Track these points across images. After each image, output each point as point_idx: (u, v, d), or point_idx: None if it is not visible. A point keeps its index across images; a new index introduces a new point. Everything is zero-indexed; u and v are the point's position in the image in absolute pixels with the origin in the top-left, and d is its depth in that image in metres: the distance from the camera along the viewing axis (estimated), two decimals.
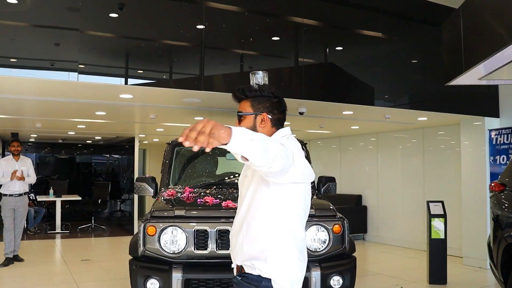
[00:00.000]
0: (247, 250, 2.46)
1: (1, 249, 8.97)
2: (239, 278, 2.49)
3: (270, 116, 2.52)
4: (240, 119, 2.57)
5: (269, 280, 2.39)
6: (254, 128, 2.52)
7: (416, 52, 7.97)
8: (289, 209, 2.42)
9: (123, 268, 7.86)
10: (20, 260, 8.69)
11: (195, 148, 1.81)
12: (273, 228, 2.41)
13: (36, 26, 5.51)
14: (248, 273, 2.46)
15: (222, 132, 1.84)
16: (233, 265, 2.61)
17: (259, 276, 2.41)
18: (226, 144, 1.88)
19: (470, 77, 5.45)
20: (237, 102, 2.62)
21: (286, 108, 2.62)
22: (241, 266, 2.51)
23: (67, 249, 10.56)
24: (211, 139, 1.82)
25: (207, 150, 1.85)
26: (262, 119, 2.52)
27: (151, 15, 6.05)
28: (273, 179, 2.18)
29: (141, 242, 4.40)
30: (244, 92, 2.57)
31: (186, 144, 1.83)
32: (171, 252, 4.36)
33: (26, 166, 8.83)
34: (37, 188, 14.21)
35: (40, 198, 13.34)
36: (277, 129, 2.56)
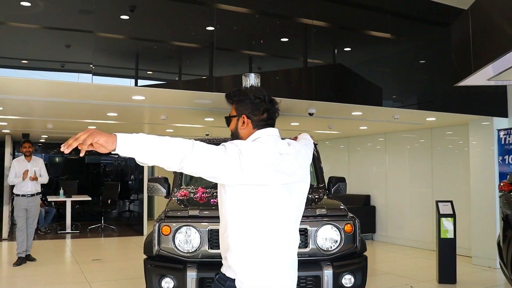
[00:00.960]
0: (220, 249, 2.56)
1: (13, 248, 9.08)
2: (216, 277, 2.55)
3: (250, 118, 2.55)
4: (227, 122, 2.66)
5: (233, 280, 2.42)
6: (236, 130, 2.60)
7: (424, 53, 8.00)
8: (243, 211, 2.40)
9: (134, 268, 7.97)
10: (33, 259, 8.79)
11: (67, 151, 2.04)
12: (232, 229, 2.43)
13: (48, 28, 5.59)
14: (220, 272, 2.53)
15: (102, 140, 2.07)
16: None
17: (224, 275, 2.48)
18: (114, 150, 2.08)
19: (479, 78, 5.49)
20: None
21: (273, 107, 2.59)
22: None
23: (78, 249, 10.66)
24: (83, 146, 2.05)
25: (81, 154, 2.15)
26: (243, 121, 2.56)
27: (162, 17, 6.12)
28: (214, 180, 2.29)
29: (155, 241, 4.47)
30: (229, 96, 2.64)
31: (66, 151, 2.04)
32: (186, 251, 4.43)
33: (38, 166, 8.92)
34: (47, 188, 14.31)
35: (50, 198, 13.45)
36: (259, 129, 2.55)
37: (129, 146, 2.12)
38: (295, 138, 2.88)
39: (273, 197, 2.41)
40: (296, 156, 2.49)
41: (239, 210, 2.40)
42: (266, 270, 2.43)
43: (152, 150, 2.14)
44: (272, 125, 2.58)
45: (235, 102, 2.61)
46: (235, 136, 2.61)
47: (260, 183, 2.35)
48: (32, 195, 8.72)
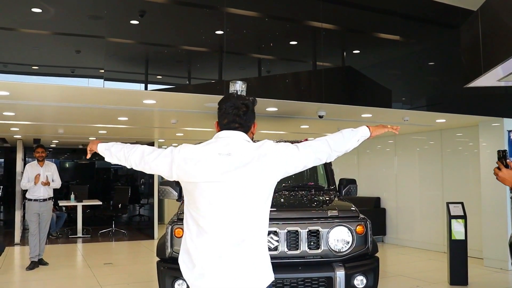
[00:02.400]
0: None
1: (26, 253, 9.14)
2: None
3: (219, 123, 2.71)
4: None
5: None
6: None
7: (433, 54, 8.00)
8: (185, 208, 2.63)
9: (145, 271, 8.01)
10: (45, 264, 8.85)
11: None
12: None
13: (59, 34, 5.64)
14: None
15: (93, 146, 2.97)
16: None
17: None
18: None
19: (489, 79, 5.49)
20: None
21: (229, 110, 2.67)
22: None
23: (89, 253, 10.71)
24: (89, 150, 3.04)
25: (87, 156, 3.17)
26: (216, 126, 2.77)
27: (172, 21, 6.17)
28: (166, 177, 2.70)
29: (168, 244, 4.50)
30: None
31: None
32: None
33: (50, 171, 8.98)
34: (58, 193, 14.39)
35: (61, 203, 13.52)
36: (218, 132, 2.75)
37: (100, 151, 2.94)
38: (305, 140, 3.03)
39: (200, 193, 2.50)
40: (238, 157, 2.51)
41: (185, 207, 2.64)
42: (192, 271, 2.53)
43: (109, 154, 2.90)
44: (233, 128, 2.65)
45: None
46: None
47: (186, 180, 2.55)
48: (45, 200, 8.78)
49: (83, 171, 18.15)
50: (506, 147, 8.67)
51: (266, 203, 2.57)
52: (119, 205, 14.45)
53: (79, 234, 13.00)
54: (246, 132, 2.69)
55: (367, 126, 2.82)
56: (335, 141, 2.66)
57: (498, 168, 3.17)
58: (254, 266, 2.50)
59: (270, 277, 2.57)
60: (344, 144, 2.68)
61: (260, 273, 2.52)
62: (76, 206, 13.21)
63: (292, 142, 2.82)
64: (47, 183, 8.72)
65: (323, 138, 2.67)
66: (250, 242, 2.50)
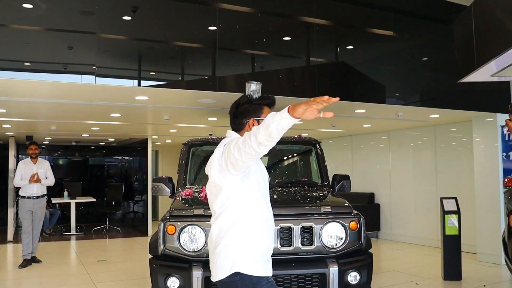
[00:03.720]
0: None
1: (19, 250, 9.10)
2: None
3: None
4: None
5: None
6: None
7: (427, 50, 7.99)
8: None
9: (139, 268, 7.99)
10: (38, 261, 8.81)
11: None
12: None
13: (51, 30, 5.60)
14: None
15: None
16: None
17: None
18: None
19: (482, 74, 5.49)
20: (271, 107, 3.01)
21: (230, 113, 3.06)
22: None
23: (83, 250, 10.68)
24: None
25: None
26: None
27: (164, 17, 6.13)
28: None
29: (161, 241, 4.48)
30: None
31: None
32: (191, 250, 4.44)
33: (44, 168, 8.94)
34: (52, 190, 14.33)
35: (54, 200, 13.48)
36: None
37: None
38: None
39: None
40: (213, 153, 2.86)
41: None
42: None
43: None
44: (232, 129, 3.01)
45: None
46: None
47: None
48: (38, 197, 8.73)
49: (76, 168, 18.07)
50: (499, 143, 8.69)
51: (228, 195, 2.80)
52: (113, 202, 14.43)
53: (73, 231, 12.97)
54: (238, 130, 2.94)
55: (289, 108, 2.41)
56: (257, 128, 2.48)
57: (510, 120, 3.57)
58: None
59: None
60: (263, 129, 2.41)
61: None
62: (69, 203, 13.18)
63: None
64: (38, 180, 8.65)
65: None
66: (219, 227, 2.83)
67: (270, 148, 2.49)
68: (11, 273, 8.30)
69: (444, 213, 7.46)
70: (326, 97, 2.34)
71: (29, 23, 5.39)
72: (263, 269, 2.74)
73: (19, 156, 14.15)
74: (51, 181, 9.05)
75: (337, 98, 2.38)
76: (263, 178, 2.91)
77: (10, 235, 11.76)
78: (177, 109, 7.77)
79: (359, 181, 12.30)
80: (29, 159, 8.96)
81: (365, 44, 7.57)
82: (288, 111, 2.37)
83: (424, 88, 8.11)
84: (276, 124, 2.37)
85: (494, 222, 8.55)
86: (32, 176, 8.59)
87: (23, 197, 8.68)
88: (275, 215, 2.92)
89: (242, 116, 2.89)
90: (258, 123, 2.83)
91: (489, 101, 8.60)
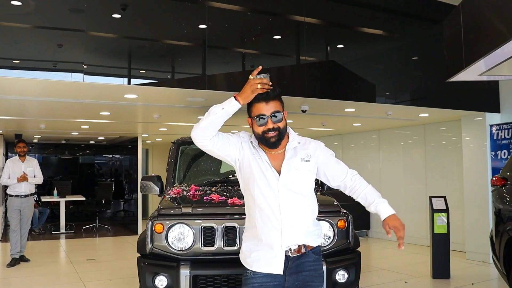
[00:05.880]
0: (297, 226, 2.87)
1: (7, 249, 9.04)
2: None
3: None
4: (278, 119, 2.80)
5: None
6: (286, 125, 2.89)
7: (416, 49, 8.02)
8: None
9: (129, 267, 7.95)
10: (26, 260, 8.76)
11: None
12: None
13: (40, 28, 5.56)
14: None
15: None
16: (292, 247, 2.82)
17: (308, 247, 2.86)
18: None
19: (471, 73, 5.51)
20: (265, 101, 2.78)
21: None
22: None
23: (72, 249, 10.64)
24: None
25: None
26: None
27: (154, 15, 6.10)
28: None
29: (149, 239, 4.45)
30: (276, 91, 2.81)
31: None
32: (179, 249, 4.42)
33: (32, 167, 8.88)
34: (41, 189, 14.27)
35: (44, 199, 13.40)
36: None
37: None
38: None
39: None
40: None
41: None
42: None
43: None
44: None
45: (279, 98, 2.85)
46: (284, 132, 2.85)
47: None
48: (26, 195, 8.68)
49: (66, 167, 17.98)
50: (488, 142, 8.74)
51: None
52: (103, 201, 14.38)
53: (62, 230, 12.92)
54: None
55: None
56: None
57: None
58: None
59: None
60: (207, 113, 2.74)
61: None
62: (59, 201, 13.11)
63: None
64: (25, 179, 8.58)
65: None
66: None
67: (197, 133, 2.77)
68: None
69: (433, 211, 7.49)
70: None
71: (17, 20, 5.36)
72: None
73: (8, 154, 14.05)
74: (39, 179, 9.00)
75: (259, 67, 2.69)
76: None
77: None
78: (167, 107, 7.76)
79: None
80: (17, 157, 8.90)
81: (355, 43, 7.59)
82: (236, 99, 2.67)
83: (413, 87, 8.14)
84: (222, 108, 2.69)
85: (482, 221, 8.59)
86: (21, 177, 8.53)
87: (11, 195, 8.63)
88: None
89: (248, 113, 2.89)
90: (252, 122, 2.84)
91: (478, 100, 8.64)
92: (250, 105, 2.82)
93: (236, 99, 2.66)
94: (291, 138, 2.91)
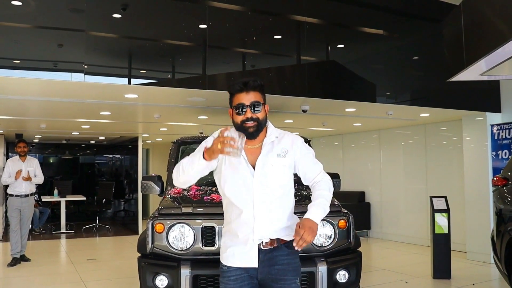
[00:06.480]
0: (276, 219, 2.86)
1: (7, 249, 9.04)
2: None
3: None
4: (257, 109, 2.78)
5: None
6: (265, 118, 2.86)
7: (417, 49, 8.01)
8: None
9: (129, 267, 7.95)
10: (27, 260, 8.76)
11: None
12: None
13: (40, 28, 5.56)
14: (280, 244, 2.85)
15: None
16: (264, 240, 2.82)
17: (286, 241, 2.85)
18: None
19: (472, 73, 5.50)
20: (246, 91, 2.77)
21: None
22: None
23: (73, 249, 10.63)
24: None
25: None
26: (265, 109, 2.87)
27: (154, 15, 6.10)
28: None
29: (149, 239, 4.45)
30: (257, 82, 2.79)
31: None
32: (179, 249, 4.42)
33: (32, 166, 8.88)
34: (42, 188, 14.27)
35: (44, 199, 13.40)
36: None
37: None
38: None
39: None
40: None
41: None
42: None
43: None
44: None
45: (260, 89, 2.82)
46: (263, 123, 2.82)
47: None
48: (26, 195, 8.68)
49: (66, 166, 17.96)
50: (489, 142, 8.73)
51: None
52: (103, 201, 14.38)
53: (63, 229, 12.92)
54: None
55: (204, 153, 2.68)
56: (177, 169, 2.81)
57: None
58: None
59: None
60: (182, 170, 2.78)
61: None
62: (59, 201, 13.11)
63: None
64: (28, 179, 8.61)
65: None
66: None
67: (181, 185, 2.85)
68: (0, 272, 8.26)
69: (434, 211, 7.48)
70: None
71: (18, 20, 5.36)
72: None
73: (9, 154, 14.05)
74: (40, 179, 9.00)
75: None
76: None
77: None
78: (167, 107, 7.75)
79: (349, 179, 12.32)
80: (17, 157, 8.90)
81: (355, 43, 7.58)
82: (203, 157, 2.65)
83: (414, 87, 8.13)
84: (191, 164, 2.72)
85: (483, 221, 8.58)
86: (17, 173, 8.54)
87: (12, 195, 8.63)
88: None
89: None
90: (233, 113, 2.82)
91: (479, 100, 8.63)
92: (232, 96, 2.83)
93: (203, 156, 2.65)
94: (269, 133, 2.89)
